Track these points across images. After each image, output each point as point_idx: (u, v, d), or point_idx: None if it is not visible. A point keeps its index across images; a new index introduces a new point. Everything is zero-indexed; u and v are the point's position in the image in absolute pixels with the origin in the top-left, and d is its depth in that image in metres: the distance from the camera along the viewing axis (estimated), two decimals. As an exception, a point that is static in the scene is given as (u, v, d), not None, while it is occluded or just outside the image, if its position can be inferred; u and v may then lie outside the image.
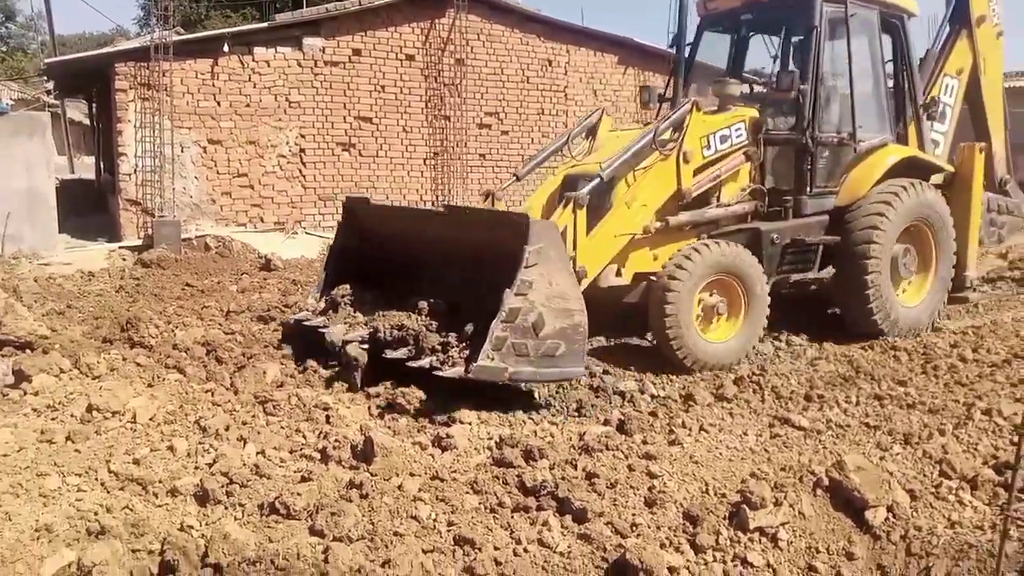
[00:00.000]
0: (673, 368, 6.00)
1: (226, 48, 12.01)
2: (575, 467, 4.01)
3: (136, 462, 3.95)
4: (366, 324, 5.69)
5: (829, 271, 7.33)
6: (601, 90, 14.98)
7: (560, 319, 4.90)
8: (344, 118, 12.87)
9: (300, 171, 12.67)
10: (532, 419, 4.95)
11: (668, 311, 5.82)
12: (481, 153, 13.92)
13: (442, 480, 3.92)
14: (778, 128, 7.11)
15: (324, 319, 6.05)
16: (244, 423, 4.60)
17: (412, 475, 3.93)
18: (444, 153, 13.54)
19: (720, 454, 4.38)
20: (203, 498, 3.61)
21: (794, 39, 7.59)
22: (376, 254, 6.39)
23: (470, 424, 4.62)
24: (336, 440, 4.28)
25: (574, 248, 5.70)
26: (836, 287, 7.23)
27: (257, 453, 4.09)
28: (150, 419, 4.47)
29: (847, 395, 5.48)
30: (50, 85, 19.82)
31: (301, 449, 4.24)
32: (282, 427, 4.54)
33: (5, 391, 4.99)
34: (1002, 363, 6.17)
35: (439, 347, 5.11)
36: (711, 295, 6.18)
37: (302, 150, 12.62)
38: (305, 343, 6.08)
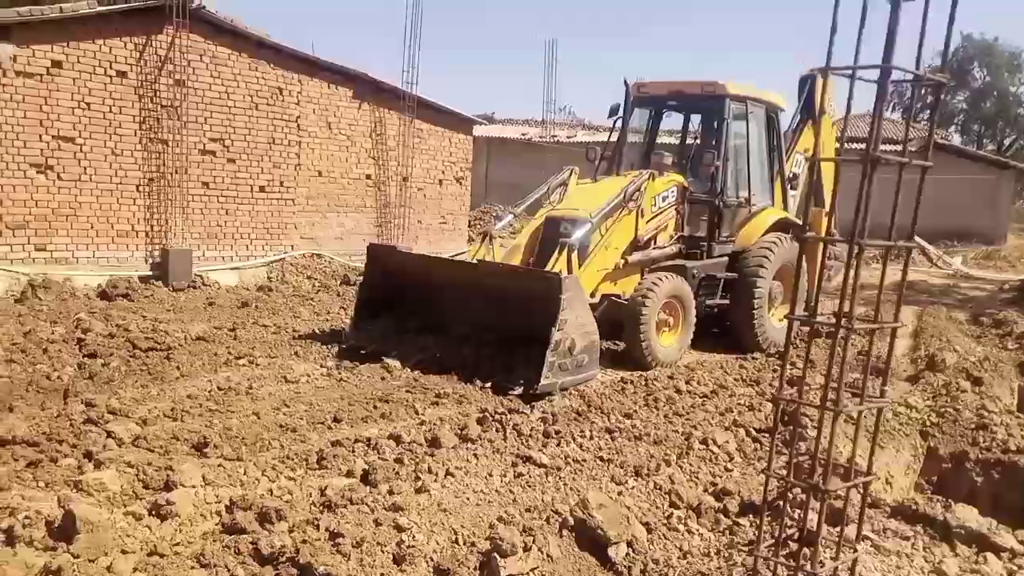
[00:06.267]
0: (636, 366, 7.79)
1: None
2: (317, 527, 3.71)
3: None
4: (422, 350, 7.32)
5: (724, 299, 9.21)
6: (336, 123, 14.64)
7: (584, 339, 6.74)
8: (40, 136, 11.30)
9: (-18, 194, 10.87)
10: (267, 475, 4.52)
11: (642, 324, 7.69)
12: (204, 181, 12.89)
13: (161, 556, 3.42)
14: (697, 191, 9.27)
15: (374, 346, 7.53)
16: None
17: (124, 552, 3.39)
18: (161, 179, 12.39)
19: (467, 499, 4.29)
20: None
21: (708, 124, 10.21)
22: (403, 293, 7.95)
23: (194, 487, 4.09)
24: (27, 517, 3.58)
25: None
26: (731, 312, 9.20)
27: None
28: None
29: (582, 429, 5.67)
30: None
31: (-22, 533, 3.49)
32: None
33: None
34: (710, 393, 6.79)
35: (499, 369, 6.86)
36: (663, 313, 8.04)
37: (-15, 171, 10.86)
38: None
